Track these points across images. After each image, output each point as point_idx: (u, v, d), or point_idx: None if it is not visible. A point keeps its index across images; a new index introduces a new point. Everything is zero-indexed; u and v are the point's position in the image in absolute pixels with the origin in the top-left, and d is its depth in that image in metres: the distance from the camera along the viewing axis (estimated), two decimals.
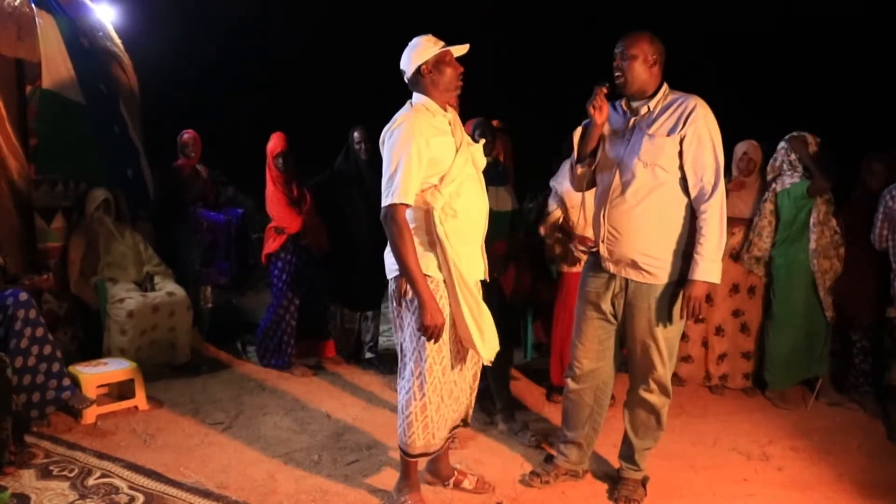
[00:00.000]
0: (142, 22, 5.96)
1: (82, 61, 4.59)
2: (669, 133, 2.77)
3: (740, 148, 4.43)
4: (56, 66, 4.43)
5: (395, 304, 2.85)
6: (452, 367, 2.84)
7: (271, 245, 4.61)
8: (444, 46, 2.75)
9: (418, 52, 2.75)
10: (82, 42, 4.67)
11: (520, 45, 9.38)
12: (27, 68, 4.36)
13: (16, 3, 4.38)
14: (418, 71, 2.75)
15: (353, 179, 4.69)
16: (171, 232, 5.20)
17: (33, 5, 4.40)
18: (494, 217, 3.13)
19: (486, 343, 2.79)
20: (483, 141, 2.95)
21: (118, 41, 5.24)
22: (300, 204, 4.61)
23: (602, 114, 2.83)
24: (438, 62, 2.75)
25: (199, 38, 8.68)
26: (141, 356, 4.32)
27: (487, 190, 2.92)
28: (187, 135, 5.28)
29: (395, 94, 2.93)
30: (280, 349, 4.71)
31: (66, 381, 3.58)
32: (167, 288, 4.66)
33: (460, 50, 2.79)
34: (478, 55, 2.85)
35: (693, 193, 2.79)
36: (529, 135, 4.99)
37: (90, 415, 3.75)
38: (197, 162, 5.30)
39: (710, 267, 2.75)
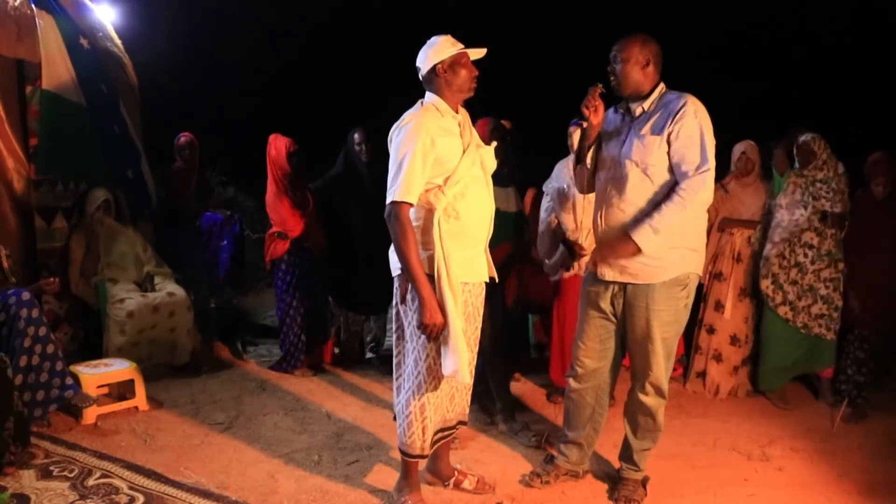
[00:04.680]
0: (142, 22, 5.96)
1: (82, 62, 4.59)
2: (659, 132, 2.77)
3: (738, 148, 4.42)
4: (56, 66, 4.43)
5: (398, 302, 2.85)
6: None
7: (276, 249, 4.58)
8: (462, 48, 2.75)
9: (435, 50, 2.75)
10: (82, 42, 4.67)
11: (521, 45, 9.38)
12: (27, 68, 4.37)
13: (16, 4, 4.38)
14: (433, 70, 2.75)
15: (352, 182, 4.67)
16: (172, 233, 5.21)
17: (33, 6, 4.41)
18: (499, 218, 3.13)
19: (448, 357, 2.68)
20: (495, 143, 2.94)
21: (118, 41, 5.25)
22: (304, 206, 4.58)
23: (597, 114, 2.83)
24: (454, 63, 2.74)
25: (199, 38, 8.69)
26: (141, 356, 4.32)
27: (505, 192, 2.88)
28: (184, 138, 5.29)
29: (396, 95, 2.93)
30: (288, 351, 4.70)
31: (69, 380, 3.58)
32: (167, 288, 4.66)
33: (477, 53, 2.79)
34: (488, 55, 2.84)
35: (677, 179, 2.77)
36: (536, 135, 4.98)
37: (90, 415, 3.75)
38: (195, 164, 5.30)
39: (648, 234, 2.73)
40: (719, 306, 4.44)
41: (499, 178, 3.70)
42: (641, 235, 2.74)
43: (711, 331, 4.48)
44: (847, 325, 4.27)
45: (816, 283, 4.18)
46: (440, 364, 2.77)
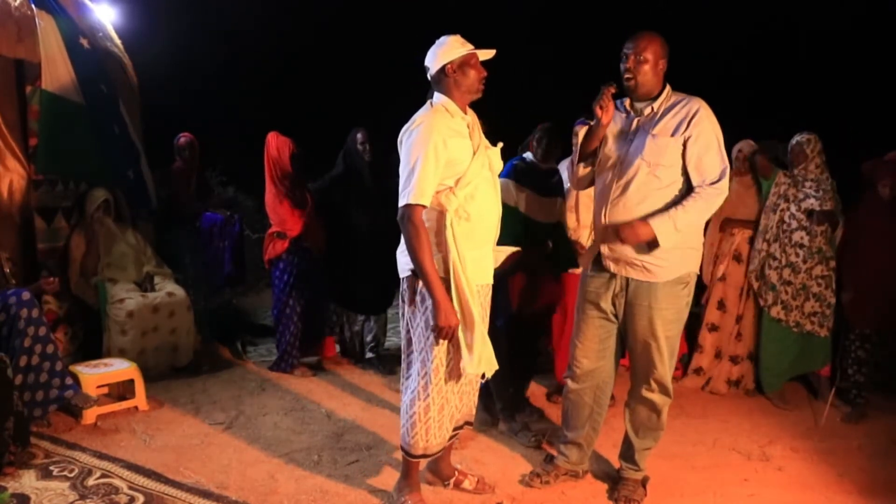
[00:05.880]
0: (142, 22, 5.96)
1: (82, 62, 4.59)
2: (673, 133, 2.79)
3: (738, 147, 4.46)
4: (56, 66, 4.43)
5: (406, 302, 2.84)
6: (458, 370, 2.84)
7: (275, 249, 4.58)
8: (471, 49, 2.75)
9: (445, 50, 2.75)
10: (82, 42, 4.66)
11: (522, 45, 9.38)
12: (27, 68, 4.36)
13: (16, 4, 4.38)
14: (442, 70, 2.75)
15: (352, 183, 4.66)
16: (172, 233, 5.20)
17: (33, 6, 4.40)
18: (543, 228, 3.16)
19: (473, 355, 2.73)
20: (501, 144, 2.94)
21: (118, 41, 5.24)
22: (303, 206, 4.57)
23: (608, 114, 2.84)
24: (463, 64, 2.74)
25: (199, 38, 8.68)
26: (145, 359, 4.33)
27: (546, 202, 2.86)
28: (183, 138, 5.30)
29: (396, 96, 2.92)
30: (285, 351, 4.70)
31: (69, 381, 3.59)
32: (167, 288, 4.66)
33: (487, 54, 2.79)
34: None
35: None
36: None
37: (90, 415, 3.75)
38: (195, 164, 5.30)
39: (668, 227, 2.74)
40: (721, 306, 4.48)
41: (547, 189, 3.71)
42: (662, 227, 2.74)
43: (714, 329, 4.51)
44: (849, 325, 4.27)
45: (809, 282, 4.20)
46: (446, 366, 2.78)
